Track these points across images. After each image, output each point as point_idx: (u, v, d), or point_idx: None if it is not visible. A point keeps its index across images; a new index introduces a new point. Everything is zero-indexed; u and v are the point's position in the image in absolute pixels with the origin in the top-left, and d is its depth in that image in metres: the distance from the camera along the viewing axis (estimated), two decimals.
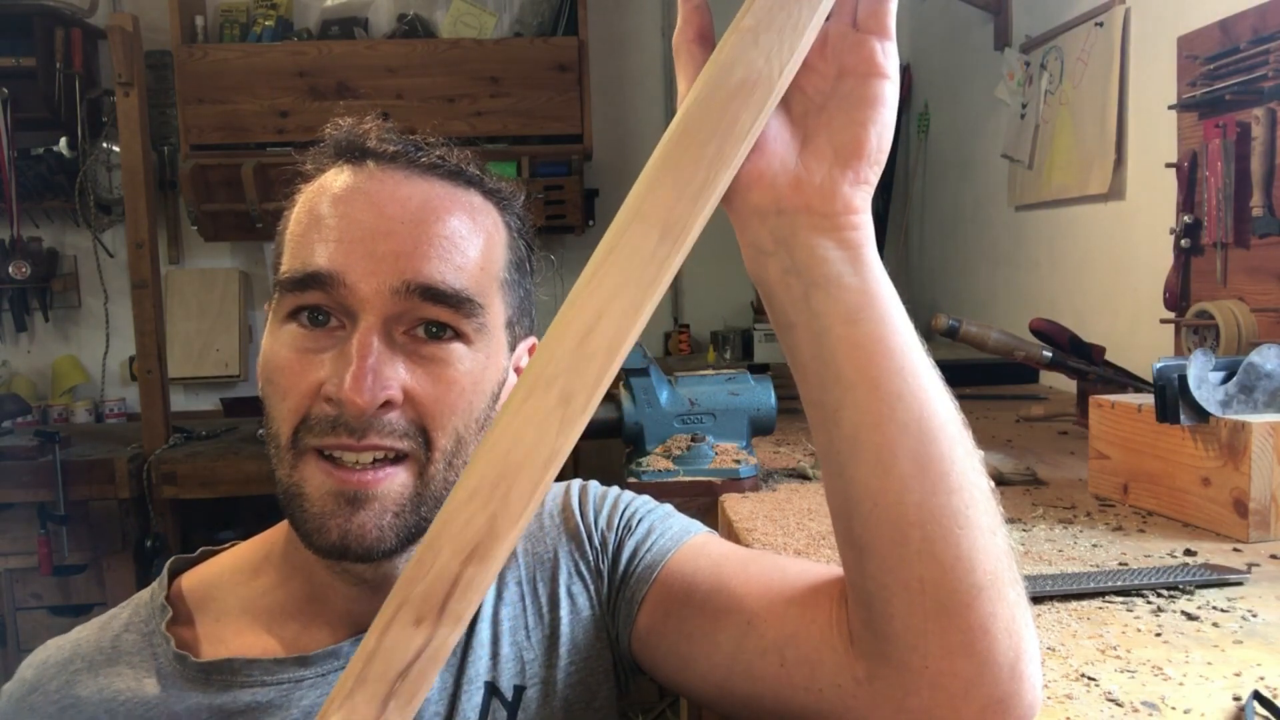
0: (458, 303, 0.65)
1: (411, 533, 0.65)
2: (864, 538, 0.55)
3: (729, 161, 0.51)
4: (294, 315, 0.65)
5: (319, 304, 0.64)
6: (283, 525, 0.72)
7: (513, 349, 0.73)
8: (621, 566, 0.74)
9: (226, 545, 0.79)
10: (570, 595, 0.75)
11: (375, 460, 0.64)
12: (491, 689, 0.71)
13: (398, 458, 0.65)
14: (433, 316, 0.65)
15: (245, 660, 0.68)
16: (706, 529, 0.78)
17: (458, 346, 0.66)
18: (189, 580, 0.75)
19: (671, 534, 0.75)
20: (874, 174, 0.55)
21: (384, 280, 0.63)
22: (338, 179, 0.67)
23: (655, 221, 0.51)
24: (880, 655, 0.56)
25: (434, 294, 0.64)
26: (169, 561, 0.77)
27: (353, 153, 0.69)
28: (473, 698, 0.70)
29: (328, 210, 0.66)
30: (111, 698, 0.68)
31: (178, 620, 0.72)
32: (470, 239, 0.67)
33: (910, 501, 0.53)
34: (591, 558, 0.76)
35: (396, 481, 0.64)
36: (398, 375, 0.63)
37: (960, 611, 0.53)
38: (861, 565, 0.55)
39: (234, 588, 0.74)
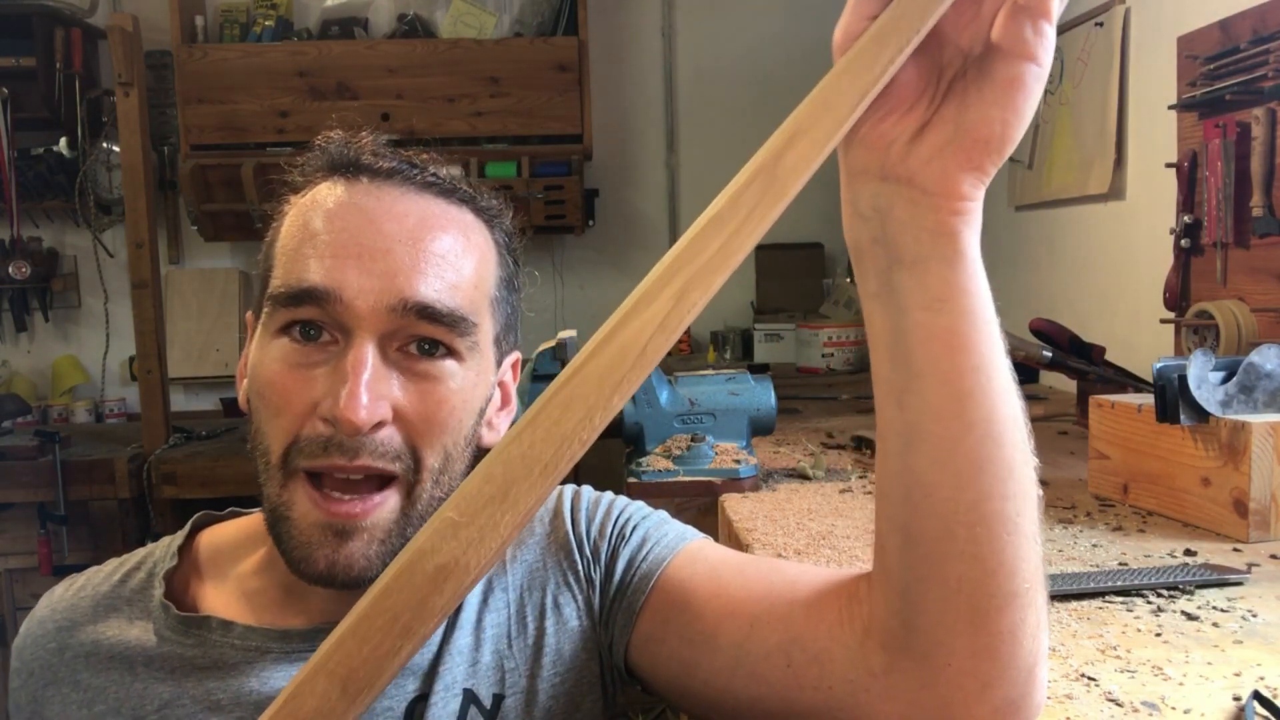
0: (453, 321, 0.65)
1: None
2: (911, 525, 0.54)
3: (410, 644, 0.53)
4: (285, 329, 0.64)
5: (313, 319, 0.64)
6: None
7: (499, 365, 0.73)
8: (617, 576, 0.73)
9: (255, 510, 0.79)
10: (557, 605, 0.74)
11: (366, 479, 0.63)
12: (470, 696, 0.70)
13: (386, 479, 0.64)
14: (427, 334, 0.65)
15: (221, 620, 0.70)
16: (702, 535, 0.77)
17: (450, 364, 0.66)
18: (207, 537, 0.77)
19: (667, 541, 0.74)
20: (993, 165, 0.52)
21: (380, 297, 0.63)
22: (331, 193, 0.67)
23: (338, 676, 0.53)
24: (903, 647, 0.55)
25: (430, 312, 0.64)
26: (195, 515, 0.79)
27: (346, 167, 0.68)
28: (449, 704, 0.69)
29: (322, 225, 0.65)
30: (102, 630, 0.71)
31: (184, 572, 0.74)
32: (465, 257, 0.67)
33: (964, 501, 0.52)
34: (581, 566, 0.75)
35: (385, 509, 0.64)
36: (391, 393, 0.63)
37: (994, 616, 0.53)
38: (903, 552, 0.55)
39: (234, 560, 0.75)
